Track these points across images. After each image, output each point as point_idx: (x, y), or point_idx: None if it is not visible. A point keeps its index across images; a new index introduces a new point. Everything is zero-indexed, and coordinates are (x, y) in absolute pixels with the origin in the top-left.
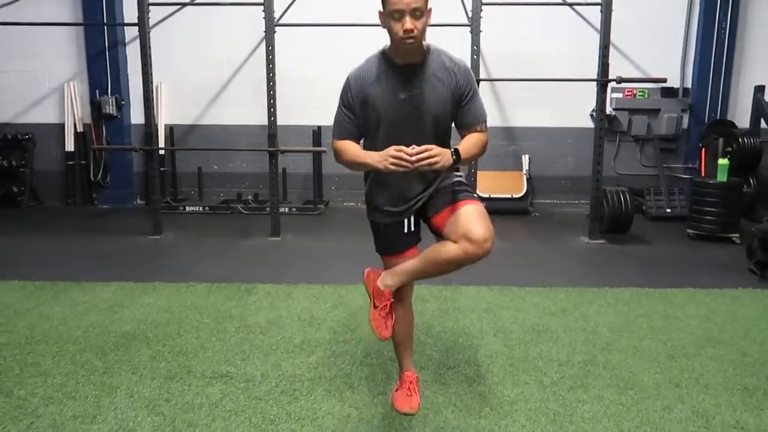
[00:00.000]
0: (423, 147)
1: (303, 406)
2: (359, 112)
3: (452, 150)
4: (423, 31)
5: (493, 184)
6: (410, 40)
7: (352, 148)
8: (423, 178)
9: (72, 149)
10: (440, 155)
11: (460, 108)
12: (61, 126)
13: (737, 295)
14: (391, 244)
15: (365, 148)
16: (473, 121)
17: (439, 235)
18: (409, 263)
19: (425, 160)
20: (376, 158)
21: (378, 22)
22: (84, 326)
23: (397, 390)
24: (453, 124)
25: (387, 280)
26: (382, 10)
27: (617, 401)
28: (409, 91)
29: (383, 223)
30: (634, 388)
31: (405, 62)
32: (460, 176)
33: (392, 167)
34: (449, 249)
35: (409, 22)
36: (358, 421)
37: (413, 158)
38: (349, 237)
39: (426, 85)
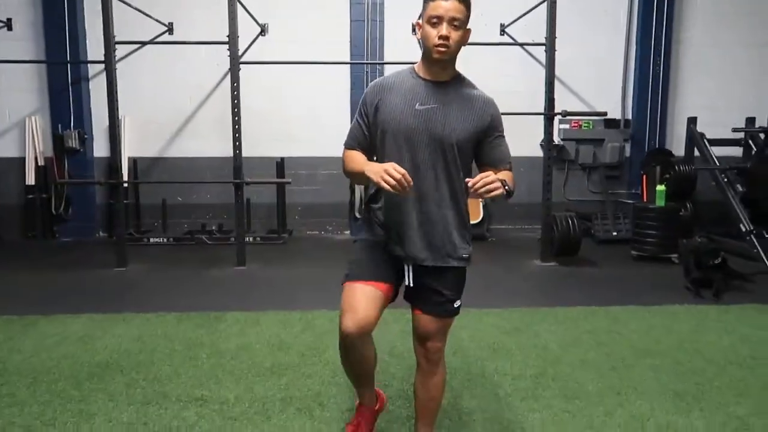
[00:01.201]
0: (482, 174)
1: (275, 424)
2: (372, 121)
3: (501, 180)
4: (457, 45)
5: (470, 203)
6: (443, 48)
7: (358, 157)
8: (430, 213)
9: (32, 183)
10: (499, 185)
11: (487, 143)
12: (22, 159)
13: (674, 311)
14: (369, 264)
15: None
16: (502, 158)
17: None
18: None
19: (495, 190)
20: (373, 168)
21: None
22: (56, 358)
23: None
24: (474, 161)
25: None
26: (419, 20)
27: (564, 409)
28: (428, 104)
29: (378, 242)
30: (580, 397)
31: (432, 78)
32: (466, 259)
33: (383, 183)
34: (417, 384)
35: (445, 29)
36: None
37: (484, 189)
38: (314, 265)
39: (450, 103)
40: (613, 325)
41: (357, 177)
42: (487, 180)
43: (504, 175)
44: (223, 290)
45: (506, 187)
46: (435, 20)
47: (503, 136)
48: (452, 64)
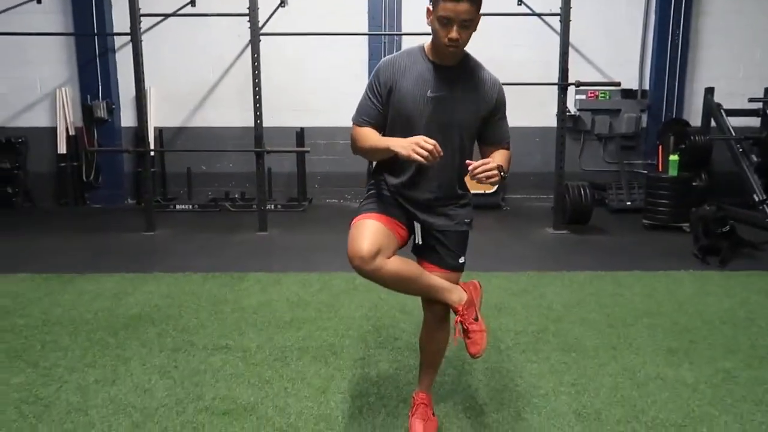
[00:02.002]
0: (484, 161)
1: (293, 369)
2: (384, 101)
3: (498, 167)
4: (467, 41)
5: (467, 180)
6: (453, 49)
7: (372, 135)
8: (433, 188)
9: (64, 152)
10: (496, 174)
11: (489, 123)
12: (53, 129)
13: (679, 276)
14: (379, 205)
15: None
16: (501, 138)
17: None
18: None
19: (489, 173)
20: (401, 143)
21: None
22: (93, 311)
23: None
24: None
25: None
26: (430, 8)
27: (561, 361)
28: (439, 91)
29: (388, 193)
30: (577, 351)
31: (442, 63)
32: (469, 220)
33: (415, 156)
34: (422, 336)
35: (455, 32)
36: (341, 379)
37: (478, 171)
38: (332, 231)
39: (459, 89)
40: (617, 288)
41: (377, 153)
42: (486, 167)
43: (501, 156)
44: (246, 253)
45: (502, 173)
46: (445, 21)
47: (505, 116)
48: (462, 51)
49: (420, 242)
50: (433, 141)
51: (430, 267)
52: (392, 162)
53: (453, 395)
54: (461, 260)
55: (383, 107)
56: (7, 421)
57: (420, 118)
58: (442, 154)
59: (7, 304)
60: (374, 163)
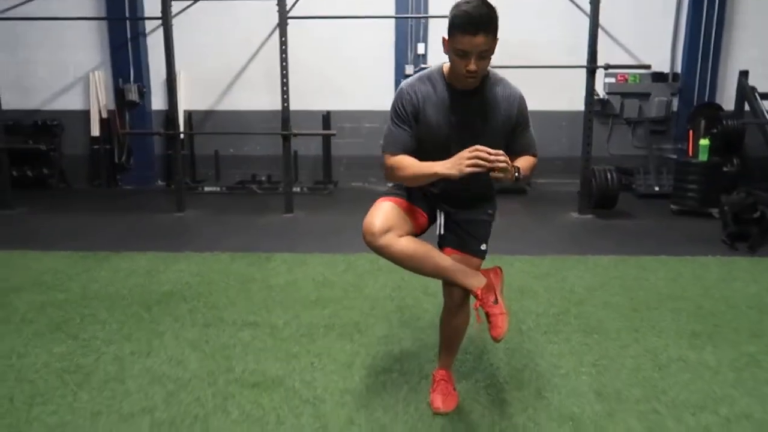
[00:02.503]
0: (502, 152)
1: (320, 345)
2: (413, 127)
3: (515, 167)
4: (486, 68)
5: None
6: (471, 80)
7: (412, 162)
8: (465, 194)
9: (97, 134)
10: (510, 169)
11: (514, 136)
12: (87, 112)
13: (705, 262)
14: (403, 191)
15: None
16: (526, 148)
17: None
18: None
19: (502, 164)
20: (446, 165)
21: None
22: (128, 287)
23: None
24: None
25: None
26: (446, 37)
27: (582, 342)
28: (461, 116)
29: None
30: (599, 333)
31: (461, 87)
32: (491, 212)
33: (469, 169)
34: (444, 319)
35: (473, 64)
36: (365, 356)
37: (492, 157)
38: (358, 213)
39: (480, 112)
40: (641, 272)
41: (421, 179)
42: (500, 158)
43: (524, 160)
44: (272, 234)
45: (516, 174)
46: (462, 53)
47: (529, 127)
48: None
49: (443, 232)
50: (483, 147)
51: (452, 251)
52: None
53: (474, 373)
54: (483, 247)
55: (412, 131)
56: (50, 388)
57: (445, 143)
58: (492, 158)
59: (47, 279)
60: None
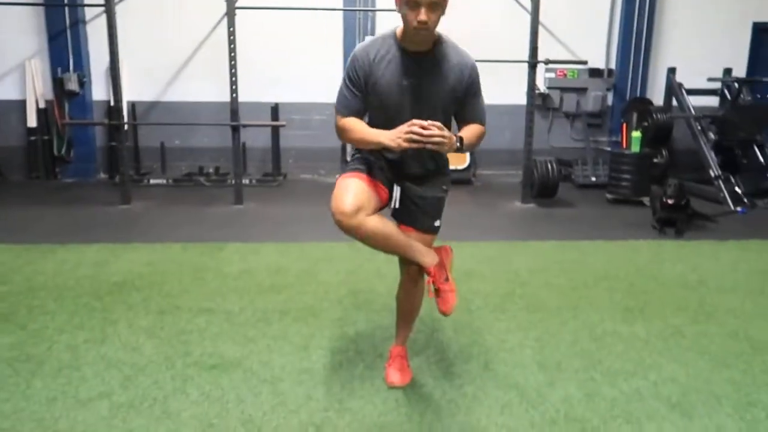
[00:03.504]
0: (437, 124)
1: (276, 329)
2: (363, 90)
3: (457, 137)
4: (437, 22)
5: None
6: (423, 32)
7: (360, 126)
8: (420, 163)
9: (34, 125)
10: (449, 139)
11: (464, 103)
12: (23, 102)
13: (637, 245)
14: (362, 167)
15: (369, 124)
16: (475, 116)
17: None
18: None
19: (436, 138)
20: (389, 136)
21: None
22: (76, 278)
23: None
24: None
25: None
26: None
27: (526, 319)
28: (412, 78)
29: (374, 159)
30: (541, 310)
31: (414, 49)
32: (445, 187)
33: (406, 144)
34: (399, 294)
35: (424, 14)
36: (320, 337)
37: (426, 132)
38: (307, 204)
39: (432, 75)
40: (579, 256)
41: (365, 145)
42: (434, 133)
43: (471, 129)
44: (223, 225)
45: (459, 145)
46: (413, 3)
47: (479, 95)
48: (433, 34)
49: (398, 206)
50: (419, 122)
51: (407, 229)
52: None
53: (426, 350)
54: (436, 224)
55: (363, 95)
56: (2, 377)
57: (397, 104)
58: (426, 132)
59: None
60: None
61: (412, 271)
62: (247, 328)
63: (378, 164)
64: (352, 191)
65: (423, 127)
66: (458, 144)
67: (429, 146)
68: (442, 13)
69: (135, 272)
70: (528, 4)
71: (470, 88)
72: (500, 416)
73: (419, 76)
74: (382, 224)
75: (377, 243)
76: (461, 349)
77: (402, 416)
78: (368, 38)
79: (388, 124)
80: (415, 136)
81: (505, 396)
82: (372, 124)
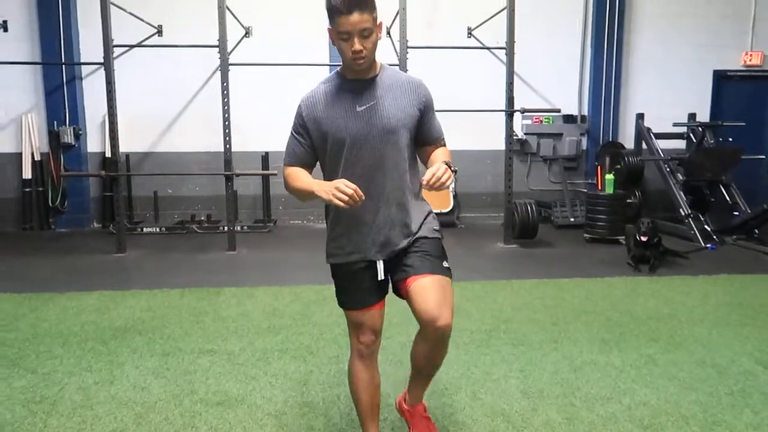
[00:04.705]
0: (431, 169)
1: (275, 367)
2: (314, 137)
3: (444, 164)
4: (373, 50)
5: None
6: (360, 61)
7: (301, 175)
8: (393, 223)
9: (29, 177)
10: (449, 174)
11: (423, 123)
12: (18, 155)
13: (613, 282)
14: (357, 294)
15: (327, 177)
16: (437, 135)
17: (401, 297)
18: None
19: (440, 179)
20: (323, 187)
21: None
22: (80, 324)
23: None
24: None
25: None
26: (330, 27)
27: (511, 353)
28: (366, 102)
29: (347, 265)
30: (524, 344)
31: (359, 77)
32: (436, 228)
33: (336, 201)
34: (423, 348)
35: (357, 43)
36: (318, 374)
37: (431, 183)
38: (298, 250)
39: (386, 96)
40: (559, 292)
41: (304, 195)
42: (438, 174)
43: (443, 153)
44: (218, 271)
45: (452, 168)
46: (345, 36)
47: (435, 114)
48: (374, 61)
49: (383, 278)
50: (353, 185)
51: (416, 278)
52: (336, 221)
53: None
54: (445, 264)
55: (311, 143)
56: (18, 418)
57: (355, 135)
58: (363, 197)
59: None
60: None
61: (441, 326)
62: (248, 367)
63: (353, 267)
64: (361, 327)
65: (435, 172)
66: (453, 169)
67: (436, 191)
68: (378, 38)
69: (136, 317)
70: (504, 57)
71: (429, 104)
72: None
73: (374, 98)
74: (377, 382)
75: (361, 392)
76: (451, 381)
77: None
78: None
79: (357, 161)
80: (343, 195)
81: (493, 422)
82: (336, 171)
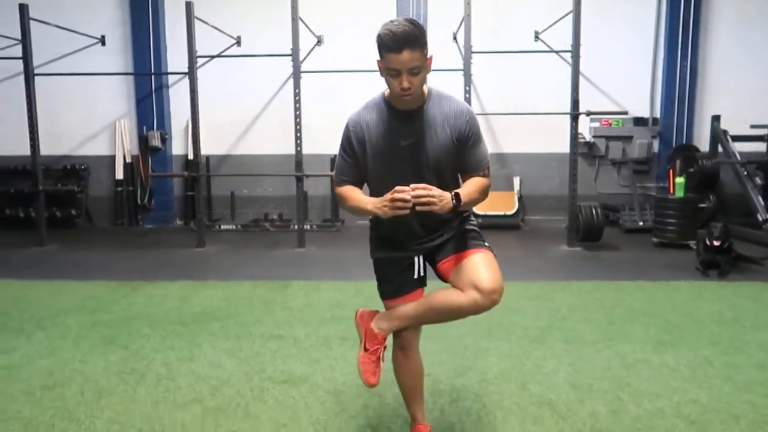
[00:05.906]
0: (422, 186)
1: (336, 352)
2: (360, 157)
3: (453, 193)
4: (422, 84)
5: (488, 203)
6: (407, 97)
7: (354, 194)
8: (426, 227)
9: (121, 177)
10: (440, 197)
11: (462, 153)
12: (112, 157)
13: (678, 285)
14: (395, 284)
15: (372, 190)
16: (475, 166)
17: (445, 281)
18: (410, 306)
19: (424, 198)
20: (376, 204)
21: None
22: (164, 309)
23: None
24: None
25: (382, 322)
26: (379, 59)
27: (563, 349)
28: (409, 138)
29: (388, 259)
30: (577, 342)
31: (404, 108)
32: (473, 224)
33: (391, 213)
34: (455, 297)
35: (406, 80)
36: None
37: (411, 196)
38: (364, 248)
39: (428, 131)
40: (619, 294)
41: (359, 212)
42: (421, 193)
43: (472, 183)
44: (288, 265)
45: (455, 202)
46: (394, 72)
47: (479, 138)
48: (421, 93)
49: (422, 274)
50: (401, 188)
51: (464, 253)
52: (376, 227)
53: (468, 372)
54: (486, 243)
55: (358, 163)
56: (113, 385)
57: (396, 167)
58: (411, 195)
59: (90, 304)
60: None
61: (494, 293)
62: (312, 351)
63: (394, 260)
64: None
65: (408, 192)
66: (454, 201)
67: (419, 209)
68: (427, 72)
69: (213, 305)
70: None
71: (469, 135)
72: (533, 426)
73: (416, 132)
74: (420, 368)
75: (405, 377)
76: (501, 372)
77: (445, 423)
78: (361, 105)
79: (391, 189)
80: (398, 203)
81: (539, 410)
82: (375, 192)
